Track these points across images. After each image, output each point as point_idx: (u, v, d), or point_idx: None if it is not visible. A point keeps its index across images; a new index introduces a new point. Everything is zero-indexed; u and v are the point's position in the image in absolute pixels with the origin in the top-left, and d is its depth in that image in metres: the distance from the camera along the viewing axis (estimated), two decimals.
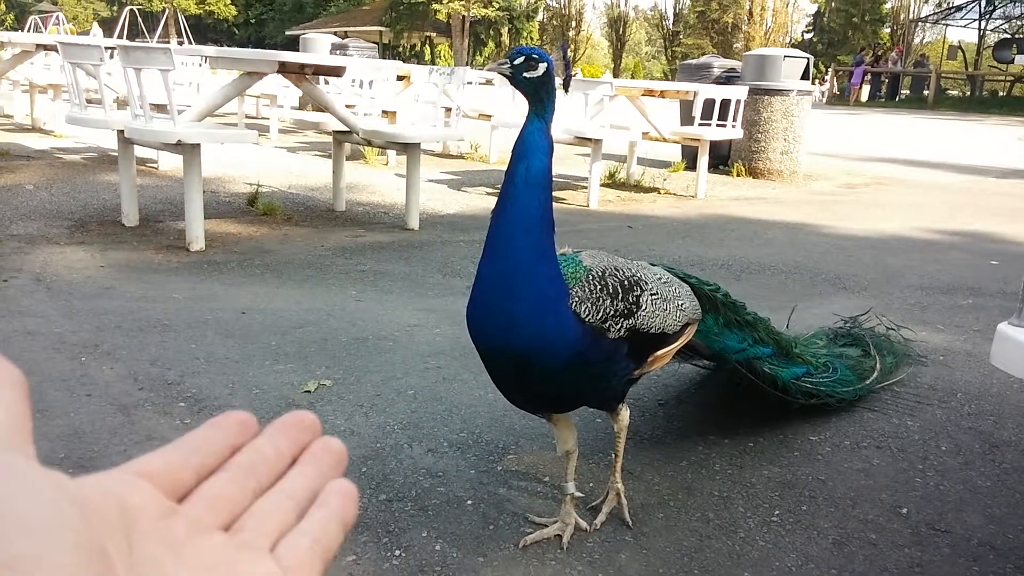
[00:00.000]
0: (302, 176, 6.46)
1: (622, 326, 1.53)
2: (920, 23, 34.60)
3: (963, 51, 32.00)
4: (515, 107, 6.96)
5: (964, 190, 7.89)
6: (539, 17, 43.34)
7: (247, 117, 10.07)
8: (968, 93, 29.10)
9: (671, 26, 46.06)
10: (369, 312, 3.17)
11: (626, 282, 1.57)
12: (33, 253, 3.73)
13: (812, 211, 6.18)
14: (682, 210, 6.01)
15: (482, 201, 5.84)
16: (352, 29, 32.60)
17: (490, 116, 7.72)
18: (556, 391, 1.55)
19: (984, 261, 4.68)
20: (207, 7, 41.17)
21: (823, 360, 2.39)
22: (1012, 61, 26.94)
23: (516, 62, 1.44)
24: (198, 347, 2.68)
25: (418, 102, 5.56)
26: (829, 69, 29.66)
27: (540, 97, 1.47)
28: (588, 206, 5.85)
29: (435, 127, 5.07)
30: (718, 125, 6.51)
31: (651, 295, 1.61)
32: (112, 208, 4.71)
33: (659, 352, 1.70)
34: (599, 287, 1.52)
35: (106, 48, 4.24)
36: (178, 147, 3.83)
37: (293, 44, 15.52)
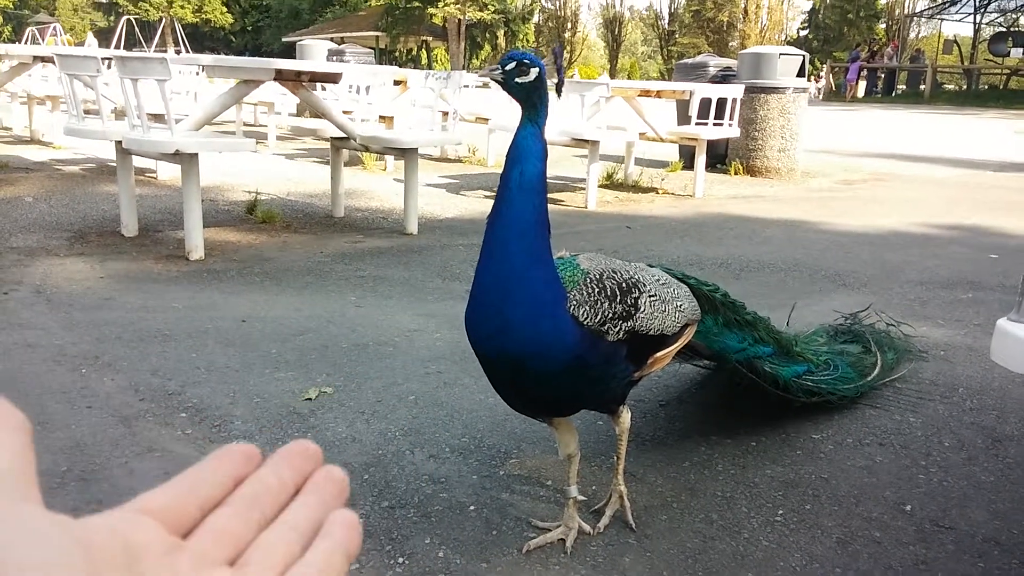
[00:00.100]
0: (300, 183, 6.47)
1: (621, 328, 1.53)
2: (915, 18, 34.62)
3: (959, 45, 32.02)
4: (512, 110, 6.93)
5: (962, 184, 7.89)
6: (535, 19, 43.40)
7: (245, 125, 10.08)
8: (964, 87, 29.10)
9: (667, 26, 46.12)
10: (369, 318, 3.17)
11: (624, 284, 1.57)
12: (33, 265, 3.74)
13: (810, 208, 6.18)
14: (680, 210, 6.01)
15: (481, 204, 5.84)
16: (348, 35, 32.66)
17: (487, 119, 7.73)
18: (555, 395, 1.55)
19: (983, 255, 4.67)
20: (204, 15, 41.25)
21: (824, 358, 2.39)
22: (1008, 54, 26.97)
23: (507, 68, 1.45)
24: (199, 356, 2.68)
25: (415, 107, 5.56)
26: (824, 65, 29.67)
27: (533, 102, 1.47)
28: (586, 207, 5.86)
29: (432, 131, 5.07)
30: (715, 124, 6.51)
31: (649, 297, 1.61)
32: (111, 219, 4.72)
33: (659, 354, 1.70)
34: (597, 290, 1.52)
35: (103, 59, 4.24)
36: (176, 156, 3.83)
37: (290, 51, 15.54)
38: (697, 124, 6.51)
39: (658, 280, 1.70)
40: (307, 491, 0.33)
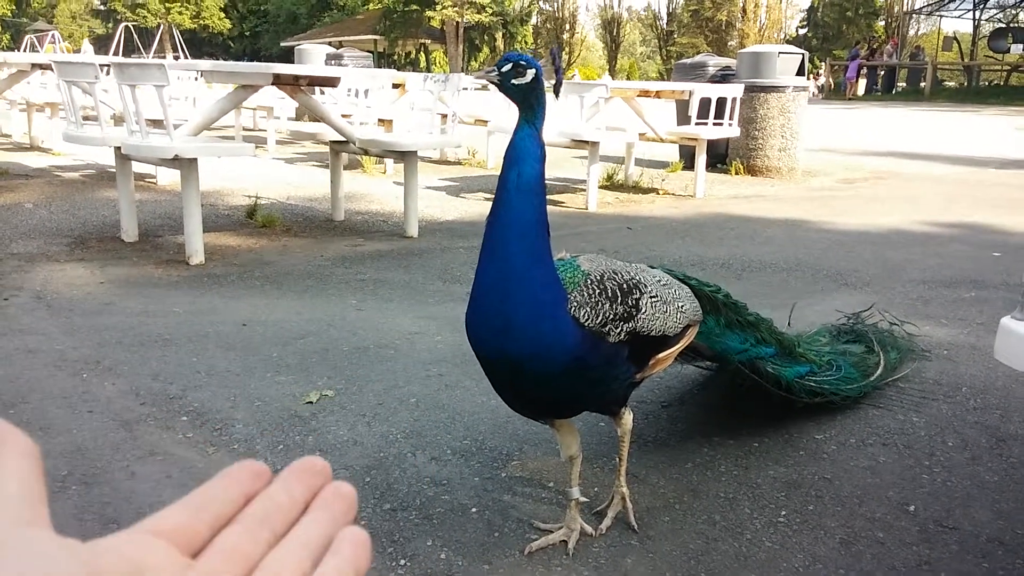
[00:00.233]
0: (300, 187, 6.47)
1: (622, 330, 1.53)
2: (914, 15, 34.61)
3: (958, 42, 31.99)
4: (511, 112, 6.94)
5: (963, 182, 7.88)
6: (533, 21, 43.44)
7: (244, 130, 10.09)
8: (965, 84, 29.09)
9: (665, 26, 46.14)
10: (370, 321, 3.16)
11: (625, 285, 1.57)
12: (33, 271, 3.74)
13: (811, 207, 6.17)
14: (681, 210, 6.01)
15: (480, 207, 5.84)
16: (347, 39, 32.68)
17: (486, 122, 7.73)
18: (556, 396, 1.54)
19: (986, 253, 4.66)
20: (202, 21, 41.33)
21: (826, 358, 2.38)
22: (1007, 50, 26.94)
23: (504, 69, 1.44)
24: (199, 361, 2.68)
25: (414, 110, 5.56)
26: (823, 64, 29.66)
27: (530, 103, 1.46)
28: (587, 209, 5.85)
29: (432, 134, 5.07)
30: (715, 124, 6.51)
31: (651, 298, 1.61)
32: (111, 224, 4.72)
33: (660, 355, 1.69)
34: (598, 291, 1.52)
35: (101, 65, 4.25)
36: (175, 162, 3.84)
37: (288, 55, 15.57)
38: (697, 124, 6.50)
39: (659, 281, 1.70)
40: (316, 507, 0.33)
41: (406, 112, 6.23)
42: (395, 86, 6.68)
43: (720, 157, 8.00)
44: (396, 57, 37.51)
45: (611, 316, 1.51)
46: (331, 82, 4.70)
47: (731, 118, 6.61)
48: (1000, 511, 1.86)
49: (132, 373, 2.55)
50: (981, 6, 30.12)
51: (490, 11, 36.11)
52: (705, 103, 6.40)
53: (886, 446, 2.18)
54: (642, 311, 1.57)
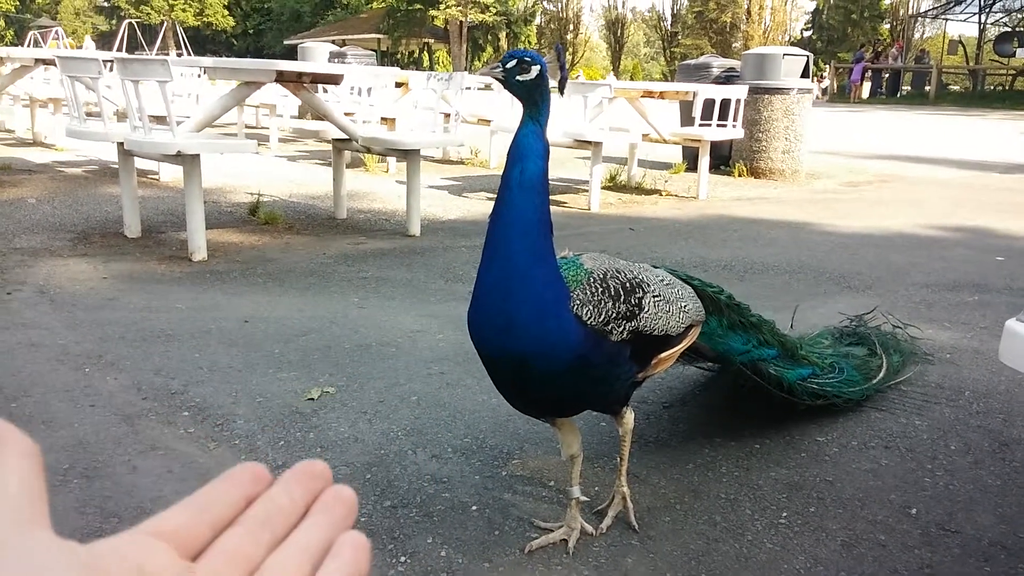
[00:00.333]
0: (303, 185, 6.47)
1: (625, 328, 1.52)
2: (920, 18, 34.56)
3: (964, 46, 31.94)
4: (514, 111, 6.95)
5: (967, 186, 7.86)
6: (537, 21, 43.45)
7: (247, 127, 10.10)
8: (970, 88, 29.04)
9: (669, 27, 46.13)
10: (372, 319, 3.16)
11: (628, 284, 1.56)
12: (36, 266, 3.74)
13: (815, 210, 6.16)
14: (684, 211, 6.00)
15: (483, 206, 5.84)
16: (350, 37, 32.73)
17: (489, 121, 7.73)
18: (558, 395, 1.54)
19: (989, 257, 4.65)
20: (205, 19, 41.38)
21: (829, 360, 2.37)
22: (1013, 55, 26.90)
23: (508, 66, 1.44)
24: (201, 356, 2.68)
25: (417, 108, 5.56)
26: (828, 67, 29.62)
27: (534, 100, 1.46)
28: (589, 209, 5.85)
29: (434, 133, 5.07)
30: (718, 125, 6.50)
31: (654, 297, 1.60)
32: (114, 220, 4.72)
33: (663, 355, 1.69)
34: (601, 289, 1.51)
35: (104, 61, 4.25)
36: (178, 158, 3.84)
37: (291, 53, 15.58)
38: (701, 125, 6.49)
39: (662, 280, 1.69)
40: (316, 511, 0.33)
41: (409, 111, 6.23)
42: (398, 85, 6.68)
43: (723, 159, 7.99)
44: (399, 56, 37.52)
45: (614, 315, 1.51)
46: (334, 79, 4.70)
47: (735, 120, 6.60)
48: (1002, 515, 1.86)
49: (134, 368, 2.55)
50: (987, 10, 30.08)
51: (494, 11, 36.12)
52: (709, 104, 6.39)
53: (888, 449, 2.17)
54: (645, 310, 1.57)
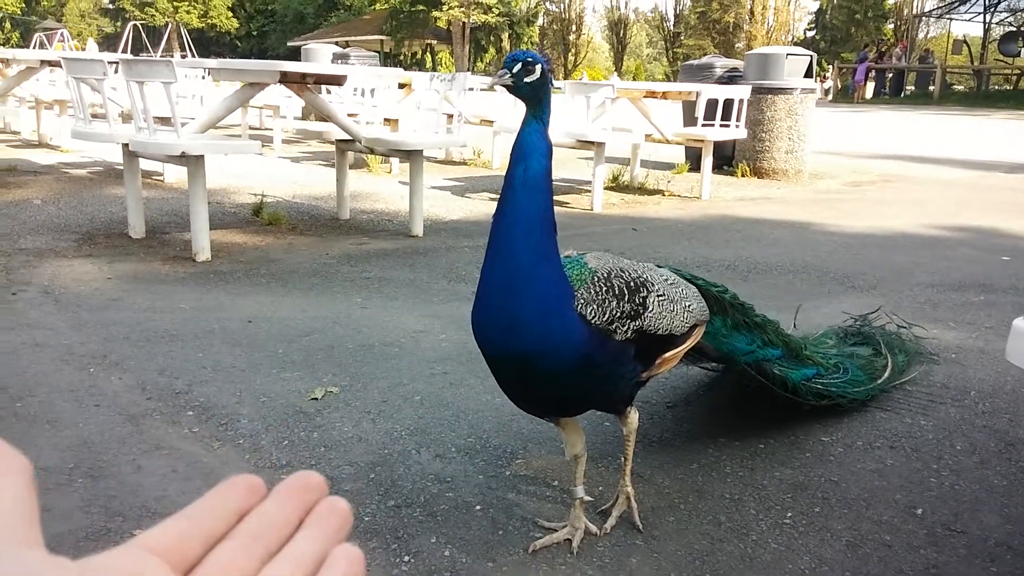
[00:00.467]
0: (306, 185, 6.48)
1: (629, 328, 1.52)
2: (924, 18, 34.48)
3: (968, 45, 31.87)
4: (517, 112, 6.96)
5: (972, 186, 7.84)
6: (539, 22, 43.45)
7: (251, 128, 10.12)
8: (974, 88, 28.94)
9: (672, 27, 46.11)
10: (375, 319, 3.17)
11: (632, 283, 1.56)
12: (41, 266, 3.75)
13: (818, 210, 6.15)
14: (687, 211, 5.99)
15: (485, 206, 5.84)
16: (353, 39, 32.78)
17: (492, 122, 7.74)
18: (562, 394, 1.54)
19: (994, 257, 4.63)
20: (209, 20, 41.49)
21: (833, 361, 2.37)
22: (1018, 54, 26.82)
23: (515, 70, 1.43)
24: (205, 356, 2.68)
25: (420, 109, 5.57)
26: (831, 67, 29.56)
27: (538, 99, 1.46)
28: (592, 210, 5.84)
29: (437, 134, 5.07)
30: (721, 125, 6.49)
31: (658, 296, 1.60)
32: (119, 221, 4.74)
33: (667, 354, 1.68)
34: (605, 289, 1.51)
35: (109, 62, 4.27)
36: (182, 159, 3.85)
37: (295, 55, 15.61)
38: (704, 125, 6.49)
39: (666, 280, 1.69)
40: (310, 523, 0.33)
41: (412, 111, 6.24)
42: (401, 86, 6.69)
43: (726, 159, 7.97)
44: (402, 57, 37.58)
45: (618, 314, 1.50)
46: (338, 80, 4.71)
47: (738, 120, 6.59)
48: (1008, 515, 1.85)
49: (139, 368, 2.56)
50: (991, 9, 30.00)
51: (496, 12, 36.14)
52: (712, 104, 6.38)
53: (893, 449, 2.16)
54: (649, 309, 1.56)
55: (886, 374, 2.46)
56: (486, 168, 8.09)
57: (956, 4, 30.25)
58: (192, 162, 3.82)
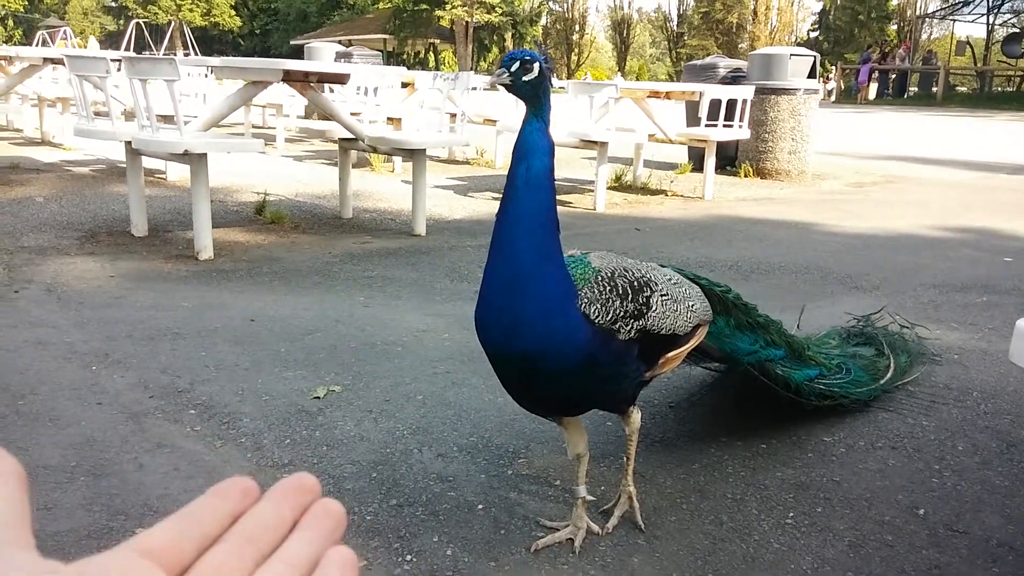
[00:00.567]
0: (309, 184, 6.49)
1: (632, 327, 1.52)
2: (927, 19, 34.41)
3: (971, 47, 31.80)
4: (519, 111, 6.95)
5: (975, 187, 7.82)
6: (542, 21, 43.44)
7: (253, 127, 10.13)
8: (977, 89, 28.89)
9: (675, 27, 46.06)
10: (377, 318, 3.17)
11: (636, 283, 1.56)
12: (44, 264, 3.76)
13: (821, 210, 6.14)
14: (690, 212, 5.99)
15: (488, 206, 5.84)
16: (356, 37, 32.80)
17: (495, 121, 7.73)
18: (565, 393, 1.53)
19: (997, 258, 4.63)
20: (212, 19, 41.53)
21: (836, 361, 2.37)
22: (1021, 56, 26.75)
23: (513, 69, 1.43)
24: (208, 355, 2.68)
25: (423, 108, 5.57)
26: (834, 67, 29.51)
27: (537, 97, 1.46)
28: (595, 209, 5.84)
29: (440, 133, 5.07)
30: (725, 126, 6.48)
31: (661, 296, 1.60)
32: (121, 219, 4.74)
33: (670, 354, 1.68)
34: (608, 288, 1.51)
35: (112, 60, 4.27)
36: (185, 157, 3.85)
37: (298, 53, 15.62)
38: (707, 126, 6.48)
39: (670, 280, 1.69)
40: (304, 526, 0.33)
41: (415, 110, 6.24)
42: (404, 85, 6.69)
43: (729, 159, 7.97)
44: (405, 56, 37.60)
45: (621, 313, 1.50)
46: (341, 79, 4.71)
47: (741, 120, 6.58)
48: (1010, 516, 1.85)
49: (141, 366, 2.56)
50: (995, 11, 29.93)
51: (500, 11, 36.13)
52: (715, 105, 6.38)
53: (895, 449, 2.16)
54: (653, 309, 1.56)
55: (889, 375, 2.45)
56: (489, 167, 8.09)
57: (959, 5, 30.20)
58: (195, 160, 3.82)
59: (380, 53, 13.92)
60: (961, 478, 2.01)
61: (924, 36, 36.69)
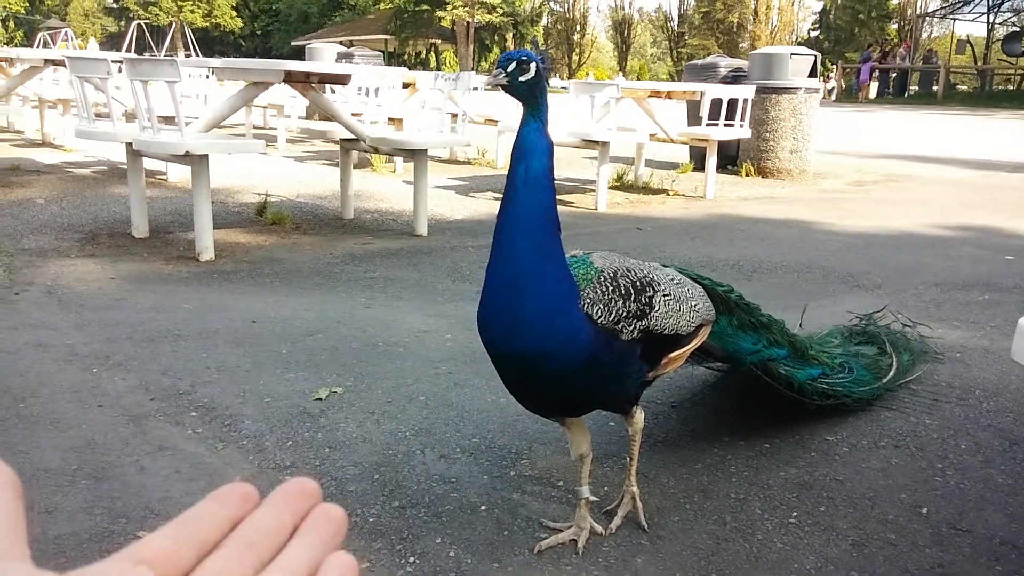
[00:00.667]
0: (310, 185, 6.49)
1: (635, 327, 1.52)
2: (928, 18, 34.38)
3: (972, 45, 31.77)
4: (520, 111, 6.95)
5: (976, 185, 7.81)
6: (543, 21, 43.45)
7: (255, 128, 10.13)
8: (978, 88, 28.86)
9: (676, 27, 46.07)
10: (379, 319, 3.16)
11: (638, 283, 1.56)
12: (44, 266, 3.76)
13: (823, 209, 6.14)
14: (691, 211, 5.98)
15: (490, 206, 5.84)
16: (357, 38, 32.82)
17: (496, 121, 7.73)
18: (568, 394, 1.53)
19: (999, 256, 4.62)
20: (213, 20, 41.57)
21: (839, 360, 2.36)
22: (1022, 54, 26.72)
23: (510, 69, 1.43)
24: (209, 356, 2.68)
25: (424, 108, 5.57)
26: (835, 67, 29.49)
27: (534, 97, 1.46)
28: (596, 209, 5.84)
29: (441, 133, 5.07)
30: (726, 125, 6.48)
31: (664, 296, 1.59)
32: (122, 220, 4.74)
33: (673, 354, 1.68)
34: (611, 288, 1.51)
35: (113, 61, 4.27)
36: (186, 158, 3.85)
37: (299, 54, 15.63)
38: (708, 125, 6.48)
39: (672, 280, 1.68)
40: (304, 531, 0.33)
41: (416, 111, 6.24)
42: (405, 85, 6.69)
43: (731, 159, 7.96)
44: (406, 57, 37.62)
45: (624, 314, 1.50)
46: (342, 80, 4.71)
47: (742, 119, 6.58)
48: (1013, 514, 1.84)
49: (142, 368, 2.56)
50: (995, 9, 29.90)
51: (501, 11, 36.14)
52: (716, 104, 6.37)
53: (898, 448, 2.16)
54: (655, 309, 1.56)
55: (891, 373, 2.45)
56: (490, 167, 8.09)
57: (960, 4, 30.16)
58: (196, 161, 3.82)
59: (381, 54, 13.92)
60: (964, 476, 2.01)
61: (924, 35, 36.65)
